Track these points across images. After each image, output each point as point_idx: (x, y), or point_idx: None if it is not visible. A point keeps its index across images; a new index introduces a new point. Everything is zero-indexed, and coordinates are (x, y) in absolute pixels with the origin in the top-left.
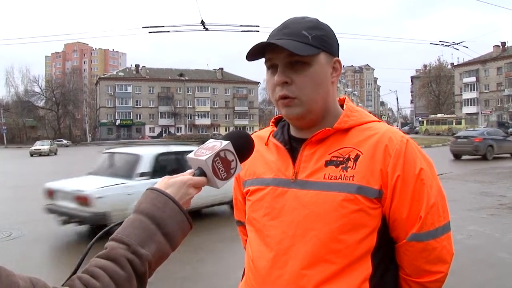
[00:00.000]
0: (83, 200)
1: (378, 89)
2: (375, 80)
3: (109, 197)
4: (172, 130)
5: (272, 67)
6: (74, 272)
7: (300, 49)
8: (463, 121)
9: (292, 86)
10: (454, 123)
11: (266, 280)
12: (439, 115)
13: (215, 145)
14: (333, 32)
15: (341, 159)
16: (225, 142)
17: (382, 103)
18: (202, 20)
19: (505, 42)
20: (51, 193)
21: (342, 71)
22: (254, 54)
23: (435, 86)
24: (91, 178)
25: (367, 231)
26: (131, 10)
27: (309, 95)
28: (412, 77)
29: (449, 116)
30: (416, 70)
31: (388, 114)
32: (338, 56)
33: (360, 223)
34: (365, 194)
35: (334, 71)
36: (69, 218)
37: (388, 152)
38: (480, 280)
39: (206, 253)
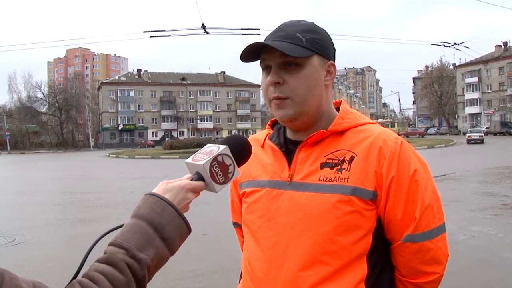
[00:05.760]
0: None
1: (380, 91)
2: (377, 81)
3: None
4: (174, 134)
5: (266, 68)
6: (75, 276)
7: (292, 50)
8: (396, 124)
9: (285, 86)
10: (389, 126)
11: (262, 281)
12: (379, 120)
13: (212, 149)
14: (329, 36)
15: (336, 161)
16: (222, 147)
17: (385, 105)
18: (203, 24)
19: (506, 42)
20: None
21: (344, 73)
22: (248, 55)
23: (437, 87)
24: None
25: (362, 233)
26: (132, 15)
27: (301, 96)
28: (414, 78)
29: (385, 120)
30: (418, 71)
31: (391, 115)
32: (334, 60)
33: (355, 225)
34: (360, 196)
35: (328, 74)
36: None
37: (382, 154)
38: (483, 280)
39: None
